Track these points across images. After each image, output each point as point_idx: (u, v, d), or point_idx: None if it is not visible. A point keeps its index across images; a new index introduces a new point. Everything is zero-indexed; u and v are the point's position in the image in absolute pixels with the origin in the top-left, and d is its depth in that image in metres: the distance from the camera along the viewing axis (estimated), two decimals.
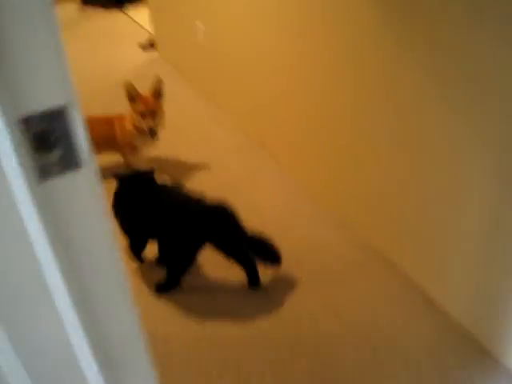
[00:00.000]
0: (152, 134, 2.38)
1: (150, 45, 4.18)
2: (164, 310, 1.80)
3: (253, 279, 1.83)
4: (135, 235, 1.92)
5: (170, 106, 3.36)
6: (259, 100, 2.60)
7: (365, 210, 2.03)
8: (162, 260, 1.85)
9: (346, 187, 2.11)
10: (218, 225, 1.73)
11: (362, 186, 2.00)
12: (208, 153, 2.77)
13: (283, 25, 2.20)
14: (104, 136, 2.49)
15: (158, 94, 2.39)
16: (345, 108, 1.95)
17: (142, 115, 2.33)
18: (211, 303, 1.84)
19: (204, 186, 2.44)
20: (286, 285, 1.89)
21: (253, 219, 2.12)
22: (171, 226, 1.75)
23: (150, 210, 1.80)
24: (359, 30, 1.74)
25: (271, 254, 1.81)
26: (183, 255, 1.77)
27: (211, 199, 1.78)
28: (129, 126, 2.43)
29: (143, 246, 1.96)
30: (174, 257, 1.79)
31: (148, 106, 2.33)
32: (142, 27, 4.85)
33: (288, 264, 1.91)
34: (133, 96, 2.32)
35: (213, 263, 1.92)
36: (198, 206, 1.75)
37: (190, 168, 2.66)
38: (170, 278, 1.83)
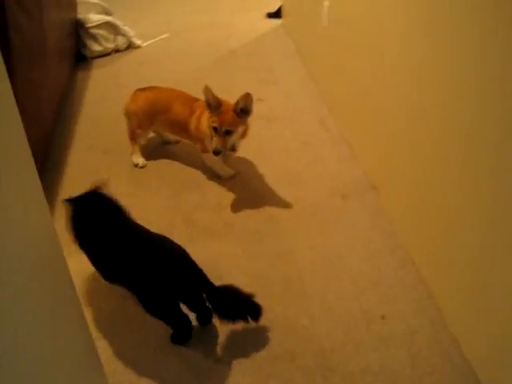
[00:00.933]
0: (217, 154, 2.01)
1: (276, 13, 3.77)
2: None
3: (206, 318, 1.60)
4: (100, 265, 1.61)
5: (276, 89, 2.94)
6: (377, 119, 2.05)
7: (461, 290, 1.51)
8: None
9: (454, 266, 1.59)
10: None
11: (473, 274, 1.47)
12: (299, 160, 2.34)
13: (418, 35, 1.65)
14: (177, 119, 2.20)
15: (242, 110, 1.97)
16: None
17: (215, 130, 1.99)
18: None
19: (279, 204, 2.06)
20: (340, 370, 1.48)
21: (320, 264, 1.77)
22: (143, 277, 1.44)
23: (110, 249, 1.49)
24: None
25: (249, 309, 1.46)
26: (166, 307, 1.49)
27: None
28: (204, 124, 2.11)
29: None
30: (157, 311, 1.50)
31: (223, 125, 1.97)
32: None
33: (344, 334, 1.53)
34: (211, 105, 1.99)
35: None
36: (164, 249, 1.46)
37: (272, 175, 2.24)
38: (175, 330, 1.56)
